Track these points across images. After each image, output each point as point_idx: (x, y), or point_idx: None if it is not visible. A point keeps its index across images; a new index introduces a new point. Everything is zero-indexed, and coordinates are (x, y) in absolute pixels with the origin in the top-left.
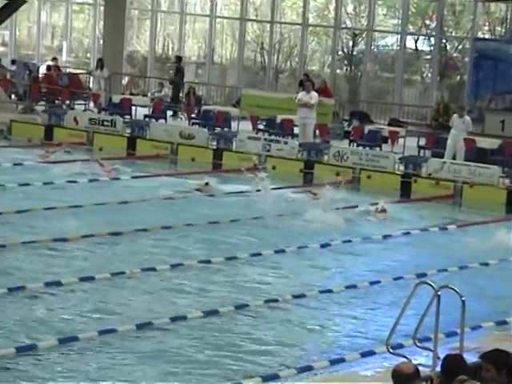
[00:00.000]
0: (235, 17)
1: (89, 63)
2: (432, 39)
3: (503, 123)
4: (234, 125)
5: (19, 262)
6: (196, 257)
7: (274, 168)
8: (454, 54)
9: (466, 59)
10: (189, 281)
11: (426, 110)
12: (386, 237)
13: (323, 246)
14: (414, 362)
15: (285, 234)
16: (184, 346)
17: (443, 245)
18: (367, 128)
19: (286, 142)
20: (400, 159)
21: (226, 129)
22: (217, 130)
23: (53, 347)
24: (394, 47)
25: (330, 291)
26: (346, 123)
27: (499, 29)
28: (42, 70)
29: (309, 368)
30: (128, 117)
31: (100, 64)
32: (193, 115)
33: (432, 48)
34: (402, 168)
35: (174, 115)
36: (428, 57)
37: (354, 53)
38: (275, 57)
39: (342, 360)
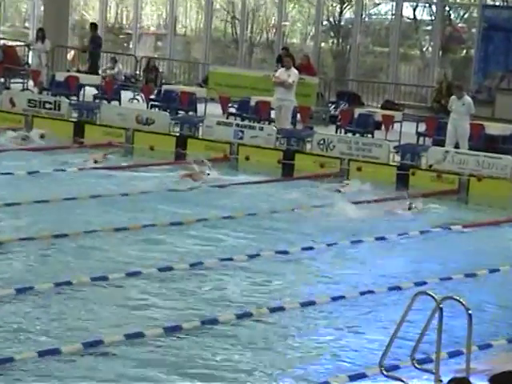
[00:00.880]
0: None
1: (27, 34)
2: (433, 7)
3: None
4: (200, 108)
5: None
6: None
7: (247, 159)
8: (459, 25)
9: (473, 30)
10: (148, 292)
11: (427, 91)
12: (378, 239)
13: (305, 249)
14: None
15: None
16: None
17: (447, 248)
18: (357, 112)
19: (261, 128)
20: (395, 148)
21: (190, 112)
22: (180, 114)
23: None
24: (389, 16)
25: (312, 303)
26: (333, 106)
27: None
28: None
29: None
30: (75, 98)
31: (41, 35)
32: (152, 96)
33: (433, 17)
34: (397, 158)
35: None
36: (428, 27)
37: (342, 23)
38: (249, 28)
39: None
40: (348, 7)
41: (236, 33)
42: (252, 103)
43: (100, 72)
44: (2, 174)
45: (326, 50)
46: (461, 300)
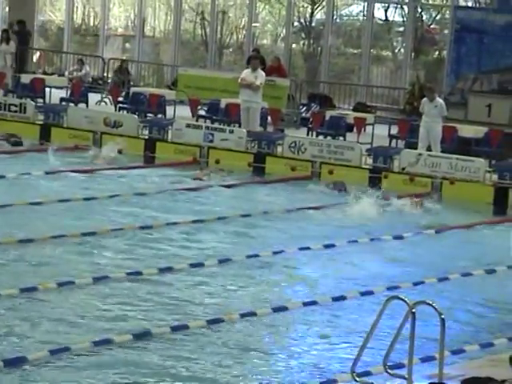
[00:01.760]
0: None
1: None
2: (405, 8)
3: (489, 108)
4: (169, 110)
5: None
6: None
7: (217, 162)
8: (432, 26)
9: (446, 31)
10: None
11: (399, 93)
12: (351, 242)
13: (276, 252)
14: None
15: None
16: None
17: (419, 253)
18: (329, 114)
19: (231, 131)
20: (368, 151)
21: (159, 115)
22: (149, 117)
23: None
24: (360, 17)
25: (284, 308)
26: (304, 108)
27: None
28: None
29: None
30: (41, 100)
31: (5, 36)
32: (120, 99)
33: (405, 18)
34: (370, 161)
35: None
36: (400, 29)
37: (313, 24)
38: (218, 29)
39: None
40: (319, 8)
41: (205, 34)
42: (222, 105)
43: (66, 74)
44: None
45: (297, 52)
46: (433, 304)
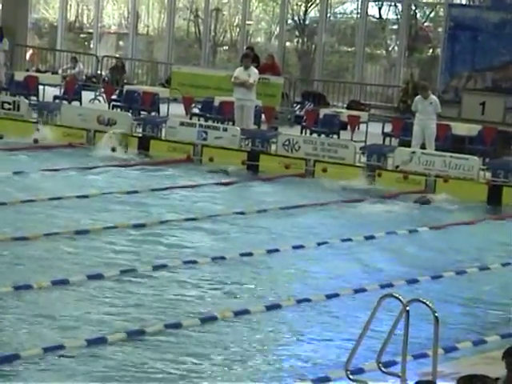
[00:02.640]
0: None
1: None
2: (399, 5)
3: (483, 106)
4: (163, 108)
5: None
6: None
7: (211, 160)
8: (425, 24)
9: (440, 29)
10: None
11: (393, 91)
12: (345, 240)
13: (270, 251)
14: None
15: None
16: None
17: (413, 250)
18: (322, 112)
19: (225, 129)
20: (362, 149)
21: (153, 113)
22: (143, 115)
23: None
24: (354, 15)
25: (278, 306)
26: (298, 106)
27: None
28: None
29: None
30: (34, 98)
31: (0, 33)
32: (113, 96)
33: (399, 16)
34: (363, 159)
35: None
36: (394, 27)
37: (307, 22)
38: (212, 27)
39: None
40: (313, 6)
41: (199, 32)
42: (216, 103)
43: (60, 71)
44: None
45: (290, 50)
46: (427, 302)
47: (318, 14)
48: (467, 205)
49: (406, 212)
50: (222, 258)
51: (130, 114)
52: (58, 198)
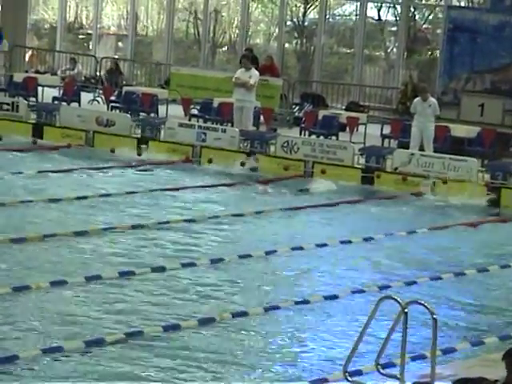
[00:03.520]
0: None
1: None
2: (398, 7)
3: (482, 107)
4: (161, 109)
5: None
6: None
7: (210, 161)
8: (424, 26)
9: (439, 31)
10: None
11: (392, 92)
12: (343, 242)
13: (269, 253)
14: None
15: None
16: None
17: (412, 252)
18: (321, 113)
19: (224, 130)
20: (360, 150)
21: (152, 114)
22: (141, 116)
23: None
24: (353, 17)
25: (276, 307)
26: (297, 108)
27: None
28: None
29: None
30: (33, 99)
31: None
32: (112, 97)
33: (398, 18)
34: (362, 161)
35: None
36: (393, 28)
37: (306, 23)
38: (211, 28)
39: None
40: (312, 7)
41: (198, 33)
42: (215, 105)
43: (59, 73)
44: None
45: (289, 51)
46: (425, 304)
47: (316, 16)
48: (466, 206)
49: (405, 213)
50: (221, 259)
51: (128, 115)
52: (57, 200)
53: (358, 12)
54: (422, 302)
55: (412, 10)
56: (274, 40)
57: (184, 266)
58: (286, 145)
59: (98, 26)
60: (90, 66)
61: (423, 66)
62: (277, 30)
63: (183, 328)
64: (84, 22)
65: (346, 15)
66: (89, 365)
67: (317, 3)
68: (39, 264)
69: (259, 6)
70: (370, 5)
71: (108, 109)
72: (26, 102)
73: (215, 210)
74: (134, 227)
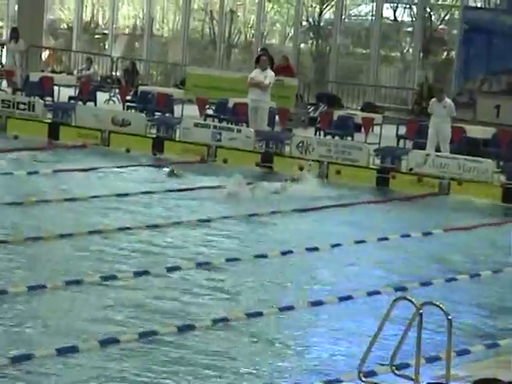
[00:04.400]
0: None
1: (1, 33)
2: (414, 8)
3: (498, 109)
4: (177, 109)
5: None
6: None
7: (225, 161)
8: (440, 26)
9: (455, 32)
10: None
11: (407, 93)
12: (358, 243)
13: (284, 253)
14: None
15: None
16: None
17: (427, 253)
18: (337, 114)
19: (239, 131)
20: (376, 151)
21: (167, 114)
22: (157, 116)
23: None
24: (369, 17)
25: (291, 308)
26: (312, 108)
27: None
28: None
29: None
30: (49, 99)
31: (15, 35)
32: (128, 97)
33: (414, 18)
34: (377, 161)
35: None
36: (409, 29)
37: (322, 24)
38: (227, 28)
39: None
40: (328, 8)
41: (214, 33)
42: (230, 105)
43: (75, 72)
44: None
45: (305, 52)
46: (440, 305)
47: (332, 16)
48: (480, 207)
49: (420, 214)
50: (237, 259)
51: (144, 115)
52: (73, 199)
53: (373, 12)
54: (437, 304)
55: (428, 10)
56: (289, 40)
57: (199, 265)
58: (301, 145)
59: (114, 26)
60: (105, 65)
61: (439, 67)
62: (292, 30)
63: (198, 328)
64: (100, 22)
65: (361, 15)
66: (103, 364)
67: (333, 3)
68: (55, 263)
69: (275, 6)
70: (385, 5)
71: (124, 108)
72: (42, 101)
73: (231, 209)
74: (149, 227)
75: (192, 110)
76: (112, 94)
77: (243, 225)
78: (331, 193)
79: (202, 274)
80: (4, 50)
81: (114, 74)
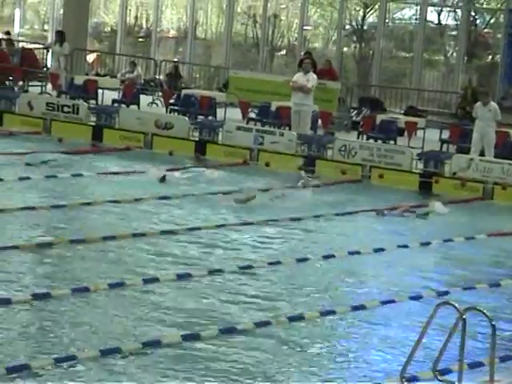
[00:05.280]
0: None
1: (46, 37)
2: (458, 11)
3: None
4: (220, 112)
5: None
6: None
7: (267, 165)
8: (485, 30)
9: (499, 35)
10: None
11: (451, 97)
12: (401, 247)
13: (326, 257)
14: None
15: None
16: None
17: (470, 258)
18: (379, 118)
19: (282, 134)
20: (419, 155)
21: (210, 117)
22: (200, 119)
23: None
24: (413, 21)
25: (333, 312)
26: (355, 112)
27: None
28: None
29: None
30: (93, 102)
31: (60, 38)
32: (171, 100)
33: (458, 22)
34: (420, 166)
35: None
36: (453, 33)
37: (365, 27)
38: (270, 31)
39: None
40: (371, 11)
41: (257, 37)
42: (272, 108)
43: (119, 75)
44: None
45: (348, 55)
46: (484, 311)
47: (376, 20)
48: None
49: (464, 219)
50: (279, 262)
51: (187, 118)
52: (116, 201)
53: (417, 16)
54: (481, 309)
55: (472, 14)
56: (332, 44)
57: (241, 268)
58: (343, 149)
59: (158, 29)
60: (149, 69)
61: (483, 71)
62: (335, 34)
63: (239, 331)
64: (144, 26)
65: (405, 19)
66: (144, 366)
67: (376, 7)
68: (98, 265)
69: (318, 9)
70: (429, 9)
71: (167, 111)
72: (86, 104)
73: (276, 212)
74: (191, 229)
75: (235, 114)
76: (155, 97)
77: (285, 228)
78: (375, 197)
79: (244, 278)
80: (49, 53)
81: (157, 77)
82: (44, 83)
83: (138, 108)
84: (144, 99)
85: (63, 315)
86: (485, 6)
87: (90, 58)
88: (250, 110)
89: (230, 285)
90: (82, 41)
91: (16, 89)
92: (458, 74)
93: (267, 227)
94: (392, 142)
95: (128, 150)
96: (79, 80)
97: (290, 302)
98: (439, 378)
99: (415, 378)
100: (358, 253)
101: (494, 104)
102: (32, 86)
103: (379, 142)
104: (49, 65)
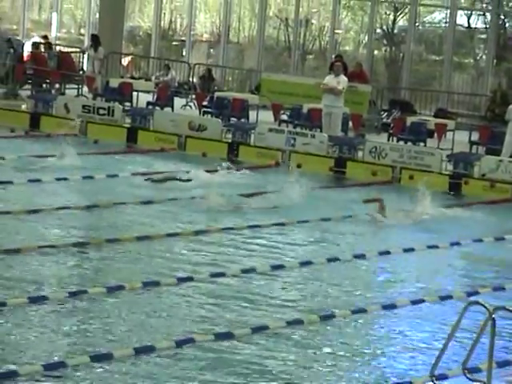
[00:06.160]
0: None
1: (82, 40)
2: (488, 15)
3: None
4: (252, 115)
5: None
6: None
7: (299, 166)
8: None
9: None
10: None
11: (480, 100)
12: (431, 247)
13: (357, 256)
14: None
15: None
16: None
17: (500, 258)
18: (410, 120)
19: (313, 136)
20: (448, 157)
21: (243, 119)
22: (232, 121)
23: None
24: (443, 24)
25: (363, 310)
26: (385, 114)
27: None
28: (28, 47)
29: None
30: (128, 104)
31: (95, 42)
32: (204, 103)
33: (488, 26)
34: (450, 167)
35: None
36: (483, 36)
37: (395, 31)
38: (302, 35)
39: None
40: (401, 15)
41: (289, 40)
42: (304, 110)
43: (153, 78)
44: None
45: (378, 58)
46: None
47: (406, 23)
48: None
49: (493, 220)
50: (310, 262)
51: (220, 121)
52: (150, 202)
53: (447, 19)
54: (510, 309)
55: (502, 17)
56: (363, 47)
57: (274, 268)
58: (373, 150)
59: (192, 32)
60: (183, 72)
61: None
62: (366, 38)
63: (272, 328)
64: (178, 30)
65: (435, 23)
66: (173, 366)
67: (406, 11)
68: (132, 264)
69: (349, 13)
70: (459, 12)
71: (200, 114)
72: (121, 106)
73: (306, 212)
74: (223, 229)
75: (267, 116)
76: (189, 100)
77: (314, 229)
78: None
79: (276, 276)
80: (86, 56)
81: (190, 80)
82: (80, 86)
83: (172, 110)
84: (178, 102)
85: (102, 313)
86: None
87: (125, 61)
88: (281, 112)
89: (258, 286)
90: (118, 44)
91: (53, 91)
92: (487, 77)
93: (300, 227)
94: (422, 143)
95: (162, 152)
96: (114, 83)
97: (321, 301)
98: (468, 376)
99: (445, 376)
100: (388, 252)
101: None
102: (69, 88)
103: (409, 143)
104: (85, 68)
